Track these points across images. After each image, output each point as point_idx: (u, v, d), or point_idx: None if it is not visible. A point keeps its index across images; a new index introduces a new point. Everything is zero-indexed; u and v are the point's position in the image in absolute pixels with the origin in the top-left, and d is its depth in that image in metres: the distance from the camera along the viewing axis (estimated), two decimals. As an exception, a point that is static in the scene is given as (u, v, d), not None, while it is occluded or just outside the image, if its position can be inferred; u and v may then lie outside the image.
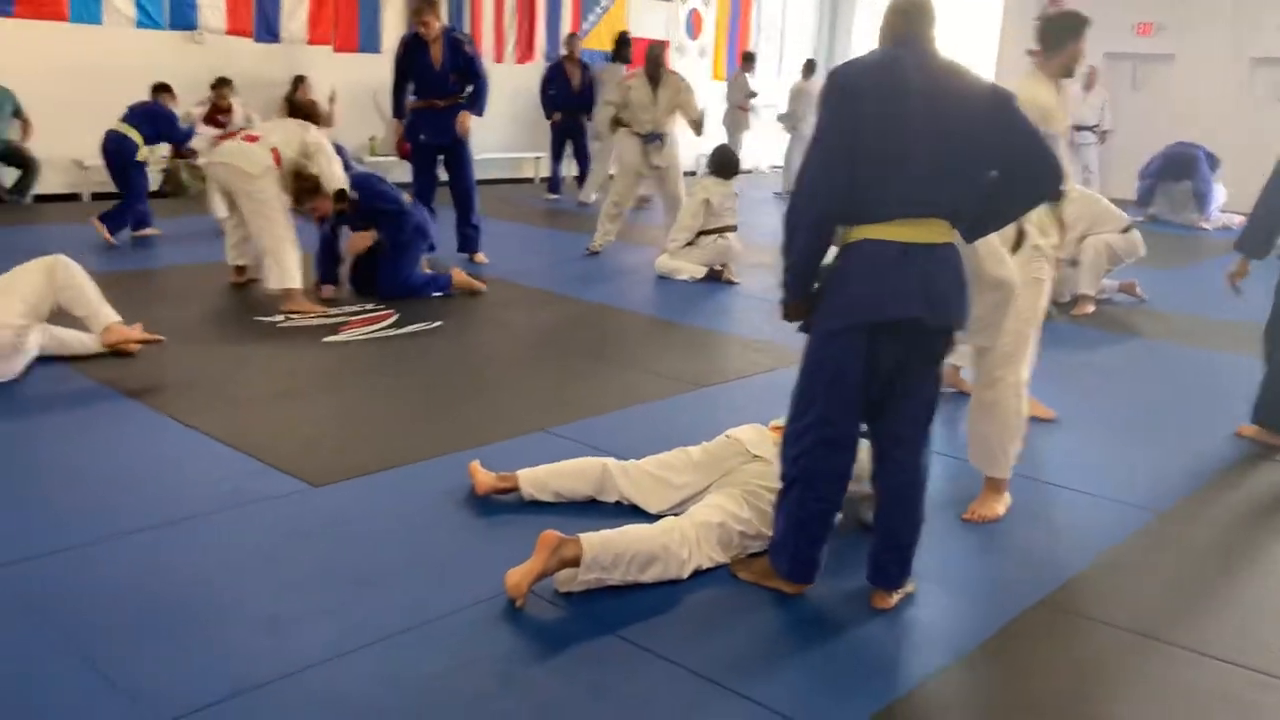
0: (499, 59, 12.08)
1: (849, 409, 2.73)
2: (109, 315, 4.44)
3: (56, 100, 8.78)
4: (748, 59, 13.21)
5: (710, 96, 13.11)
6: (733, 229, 7.54)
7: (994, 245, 3.29)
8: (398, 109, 7.43)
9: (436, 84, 7.19)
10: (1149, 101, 13.63)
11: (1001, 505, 3.59)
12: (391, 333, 5.45)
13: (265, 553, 2.99)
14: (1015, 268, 3.42)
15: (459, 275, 6.47)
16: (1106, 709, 2.51)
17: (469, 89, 7.30)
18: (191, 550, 2.97)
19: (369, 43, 10.96)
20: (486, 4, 11.89)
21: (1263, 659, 2.74)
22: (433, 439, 3.95)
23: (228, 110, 9.23)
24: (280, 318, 5.56)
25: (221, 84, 9.14)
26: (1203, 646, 2.79)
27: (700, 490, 3.30)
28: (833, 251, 2.73)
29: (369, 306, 5.89)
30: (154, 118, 7.69)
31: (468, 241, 7.47)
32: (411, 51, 7.21)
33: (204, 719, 2.21)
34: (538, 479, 3.42)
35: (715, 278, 7.47)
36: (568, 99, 10.91)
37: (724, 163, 7.63)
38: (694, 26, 14.38)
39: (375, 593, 2.80)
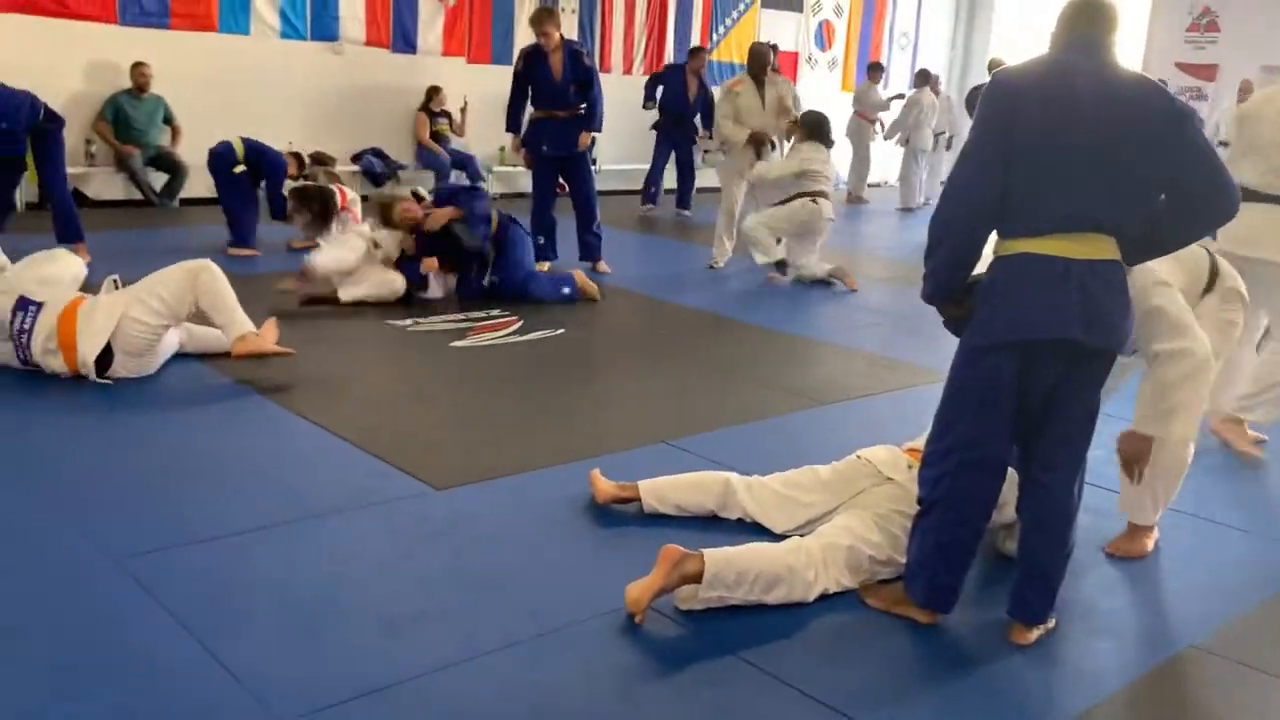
0: (627, 70, 12.14)
1: (997, 430, 2.59)
2: (244, 324, 4.53)
3: (204, 107, 9.14)
4: (874, 69, 12.97)
5: (842, 109, 12.94)
6: (824, 195, 7.41)
7: (1173, 312, 2.96)
8: (512, 123, 7.48)
9: (557, 95, 7.23)
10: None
11: (1150, 542, 3.37)
12: (516, 339, 5.47)
13: (389, 554, 3.00)
14: (1203, 328, 3.04)
15: (580, 278, 6.50)
16: (1271, 767, 2.32)
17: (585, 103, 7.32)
18: (318, 548, 3.01)
19: (502, 55, 11.11)
20: (616, 15, 11.96)
21: None
22: (553, 446, 3.93)
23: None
24: (409, 322, 5.64)
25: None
26: (1381, 705, 2.55)
27: (828, 511, 3.19)
28: (984, 263, 2.60)
29: (494, 312, 5.93)
30: (261, 151, 7.69)
31: (589, 250, 7.48)
32: (532, 63, 7.27)
33: (326, 719, 2.21)
34: (659, 490, 3.36)
35: (835, 280, 7.37)
36: (680, 106, 10.87)
37: (815, 126, 7.54)
38: (825, 38, 14.19)
39: (496, 598, 2.77)
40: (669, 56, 12.50)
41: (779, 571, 2.80)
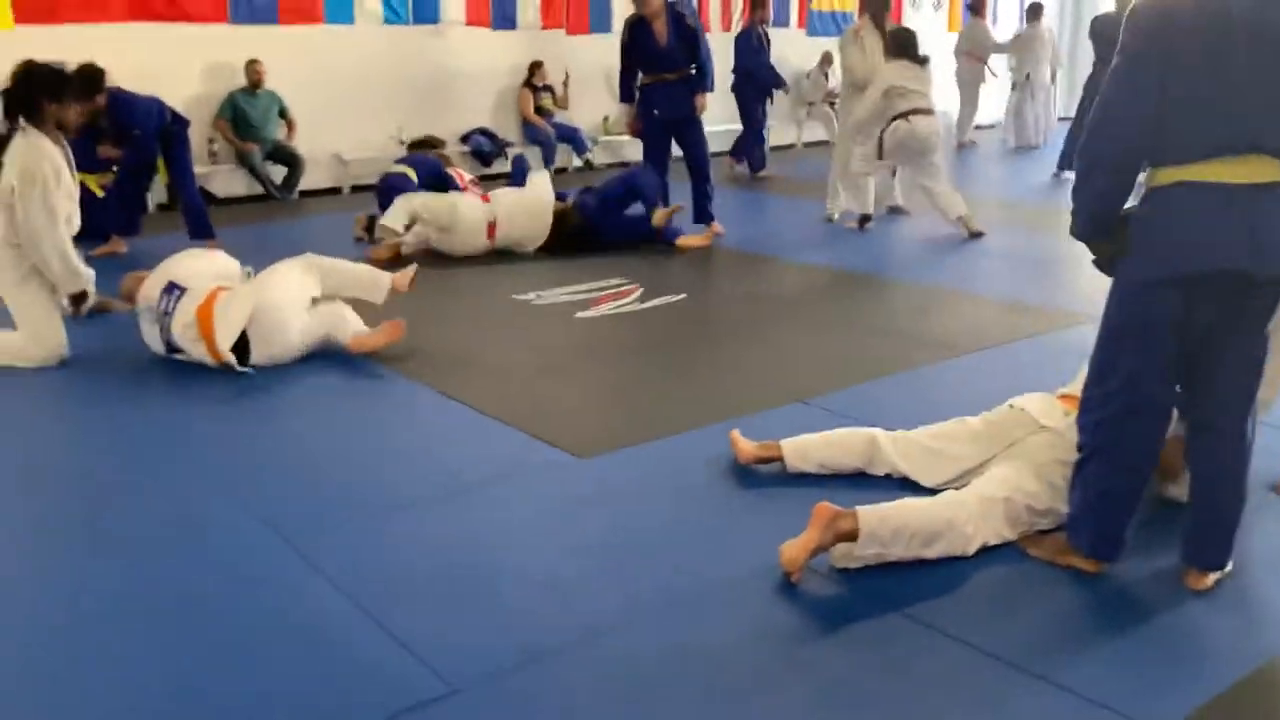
0: (726, 27, 11.97)
1: (1160, 371, 2.48)
2: (384, 281, 4.75)
3: (316, 99, 9.37)
4: (979, 4, 12.44)
5: (948, 51, 12.56)
6: (922, 111, 7.12)
7: None
8: (625, 93, 7.47)
9: (664, 59, 7.17)
10: None
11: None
12: (639, 306, 5.48)
13: (542, 521, 3.05)
14: None
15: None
16: None
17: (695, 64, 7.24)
18: (474, 519, 3.07)
19: (599, 24, 11.08)
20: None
21: None
22: (689, 410, 3.93)
23: None
24: (533, 295, 5.70)
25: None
26: None
27: (980, 464, 3.12)
28: (1136, 194, 2.48)
29: (614, 281, 5.95)
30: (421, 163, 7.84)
31: (703, 213, 7.44)
32: (635, 32, 7.22)
33: (499, 682, 2.26)
34: (802, 449, 3.33)
35: (963, 227, 7.19)
36: (748, 63, 10.39)
37: (900, 42, 7.34)
38: (927, -24, 13.78)
39: (651, 561, 2.80)
40: (768, 13, 12.28)
41: (936, 526, 2.75)
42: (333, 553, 2.85)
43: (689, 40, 7.14)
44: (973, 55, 12.15)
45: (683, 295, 5.67)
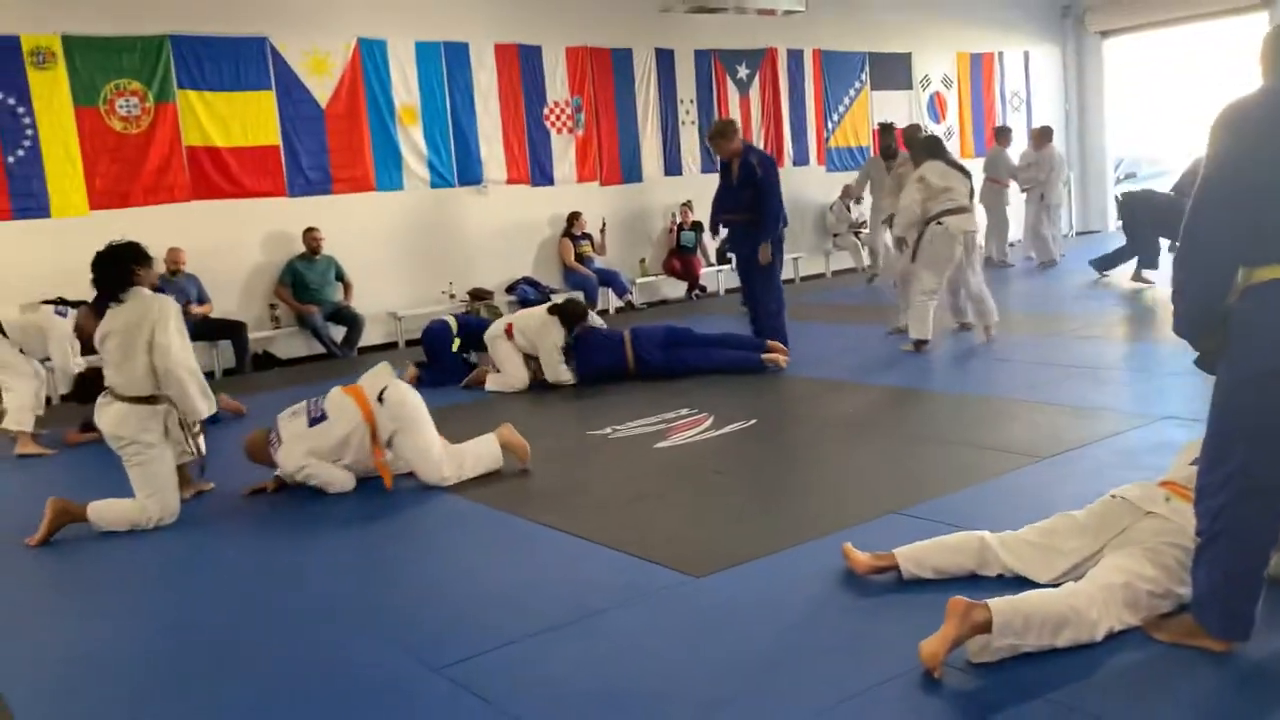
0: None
1: (1272, 456, 2.61)
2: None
3: (371, 260, 9.83)
4: (1001, 133, 13.01)
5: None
6: (953, 212, 7.40)
7: None
8: (712, 226, 8.25)
9: (731, 200, 7.67)
10: None
11: None
12: (713, 434, 5.66)
13: (678, 640, 3.17)
14: None
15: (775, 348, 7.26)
16: None
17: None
18: (608, 642, 3.19)
19: (631, 175, 11.66)
20: (731, 105, 12.38)
21: None
22: (789, 528, 4.06)
23: None
24: (609, 430, 5.90)
25: None
26: None
27: (1090, 555, 3.23)
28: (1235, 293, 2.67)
29: (683, 411, 6.15)
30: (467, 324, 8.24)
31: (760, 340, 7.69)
32: (721, 173, 7.78)
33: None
34: (916, 555, 3.45)
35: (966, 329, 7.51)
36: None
37: (931, 145, 7.81)
38: (938, 110, 14.39)
39: (789, 674, 2.89)
40: (788, 150, 12.86)
41: (1064, 613, 2.85)
42: (488, 679, 2.97)
43: (754, 184, 7.49)
44: (995, 179, 12.63)
45: (754, 420, 5.85)
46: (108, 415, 4.67)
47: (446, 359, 7.77)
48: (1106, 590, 2.95)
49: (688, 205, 11.78)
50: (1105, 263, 10.61)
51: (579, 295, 10.91)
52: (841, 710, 2.67)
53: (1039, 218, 12.51)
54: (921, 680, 2.77)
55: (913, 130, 8.42)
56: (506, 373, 7.35)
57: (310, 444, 4.92)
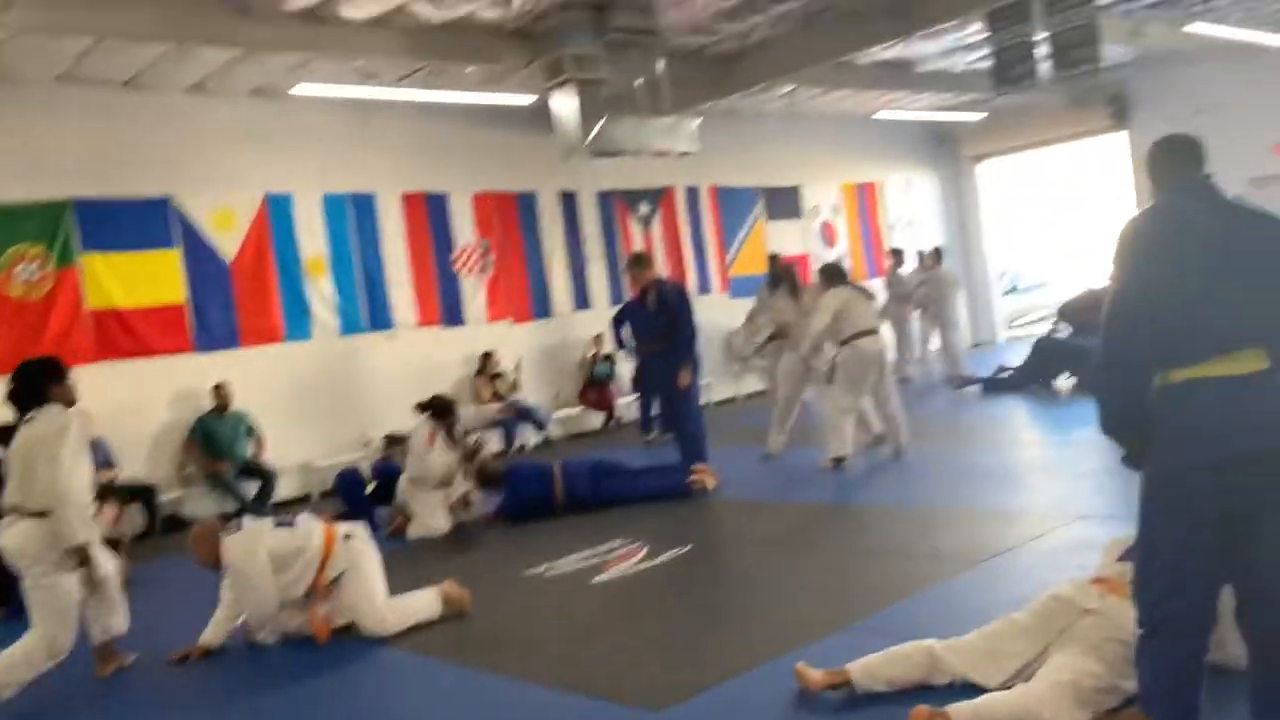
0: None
1: (1200, 551, 2.72)
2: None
3: (282, 412, 9.68)
4: (896, 254, 13.61)
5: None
6: (869, 333, 7.74)
7: None
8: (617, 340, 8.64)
9: (648, 329, 7.94)
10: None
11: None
12: (650, 563, 5.66)
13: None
14: None
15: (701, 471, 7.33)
16: None
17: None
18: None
19: (541, 311, 11.84)
20: (635, 241, 12.72)
21: None
22: (741, 652, 4.07)
23: None
24: (544, 568, 5.85)
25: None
26: None
27: (1036, 656, 3.32)
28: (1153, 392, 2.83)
29: (615, 544, 6.14)
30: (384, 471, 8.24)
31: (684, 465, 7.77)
32: (636, 302, 8.06)
33: None
34: (869, 669, 3.49)
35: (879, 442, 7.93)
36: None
37: (834, 272, 8.12)
38: (828, 237, 15.01)
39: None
40: (692, 279, 13.23)
41: (1019, 714, 2.93)
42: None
43: (670, 313, 7.72)
44: (897, 297, 13.11)
45: (689, 546, 5.88)
46: (10, 534, 4.50)
47: (361, 506, 7.66)
48: (1056, 689, 3.04)
49: (599, 338, 11.95)
50: (992, 386, 11.12)
51: (497, 434, 10.96)
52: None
53: (942, 335, 13.00)
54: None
55: (833, 267, 8.80)
56: (424, 519, 7.28)
57: (268, 540, 4.91)
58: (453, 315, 11.14)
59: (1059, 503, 5.88)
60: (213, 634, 4.98)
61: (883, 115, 14.63)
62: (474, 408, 10.44)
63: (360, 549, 5.09)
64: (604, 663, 4.20)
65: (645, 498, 7.22)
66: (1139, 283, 2.77)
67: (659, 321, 7.75)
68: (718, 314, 13.18)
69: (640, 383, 11.08)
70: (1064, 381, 10.41)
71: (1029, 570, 4.58)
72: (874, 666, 3.49)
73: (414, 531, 7.27)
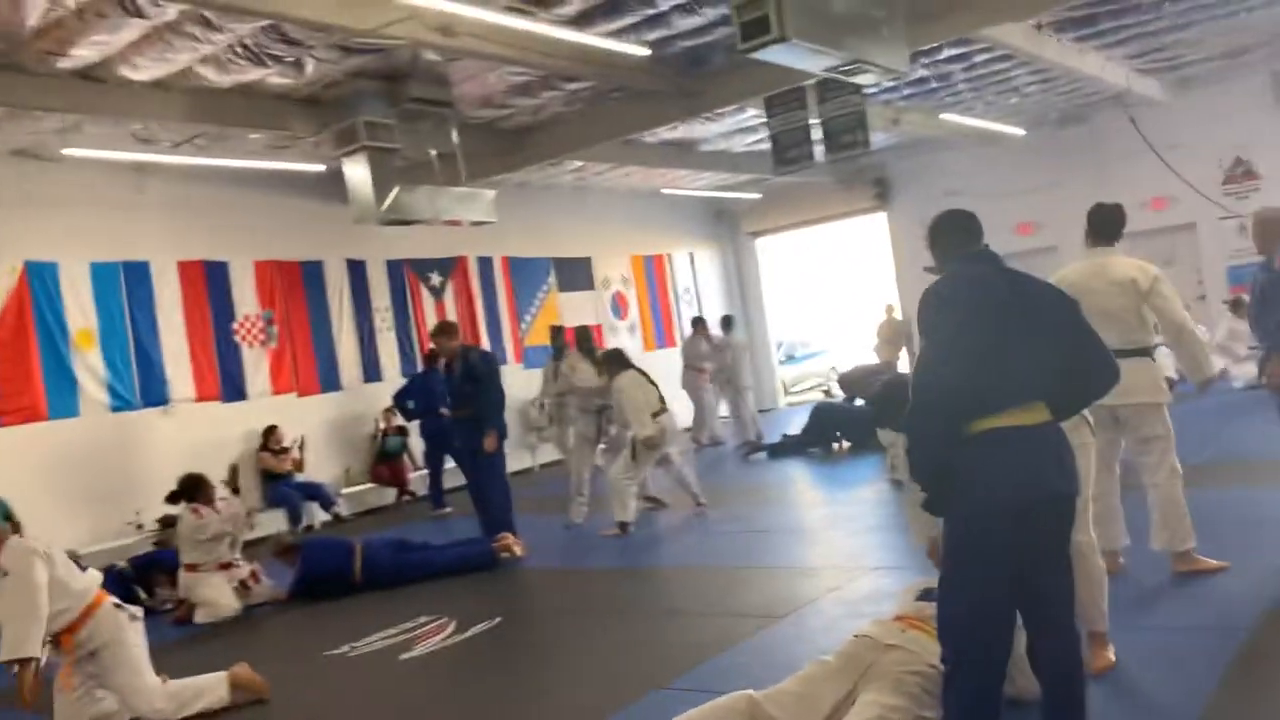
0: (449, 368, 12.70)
1: (999, 588, 2.96)
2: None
3: (46, 496, 8.89)
4: (698, 323, 13.84)
5: (649, 366, 13.98)
6: (664, 410, 8.17)
7: None
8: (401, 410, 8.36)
9: (453, 398, 7.91)
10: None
11: (1111, 653, 3.83)
12: (460, 637, 5.55)
13: None
14: None
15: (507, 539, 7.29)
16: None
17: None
18: None
19: (329, 384, 11.48)
20: (427, 311, 12.59)
21: None
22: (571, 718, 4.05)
23: None
24: (346, 648, 5.62)
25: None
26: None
27: (846, 695, 3.47)
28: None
29: (421, 619, 5.99)
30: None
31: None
32: (438, 371, 8.11)
33: None
34: (700, 726, 3.55)
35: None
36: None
37: (619, 358, 8.53)
38: (620, 307, 15.37)
39: None
40: (485, 345, 13.21)
41: None
42: None
43: (475, 379, 7.67)
44: (694, 366, 13.49)
45: (498, 619, 5.80)
46: None
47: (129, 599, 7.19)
48: None
49: (391, 411, 11.70)
50: (778, 450, 11.63)
51: (280, 512, 10.46)
52: None
53: (735, 402, 13.46)
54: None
55: (615, 353, 9.06)
56: (210, 602, 6.88)
57: (57, 560, 4.60)
58: (234, 389, 10.65)
59: (851, 556, 6.19)
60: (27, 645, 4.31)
61: (669, 191, 15.22)
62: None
63: (130, 625, 4.70)
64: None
65: (449, 570, 7.08)
66: (947, 341, 3.03)
67: (465, 389, 7.69)
68: (513, 383, 13.09)
69: (431, 456, 10.97)
70: (842, 444, 11.03)
71: (833, 620, 4.79)
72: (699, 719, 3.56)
73: (201, 616, 6.84)
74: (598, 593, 6.29)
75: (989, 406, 2.97)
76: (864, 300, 16.32)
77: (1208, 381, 4.95)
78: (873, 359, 14.84)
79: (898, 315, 15.47)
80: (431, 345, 8.07)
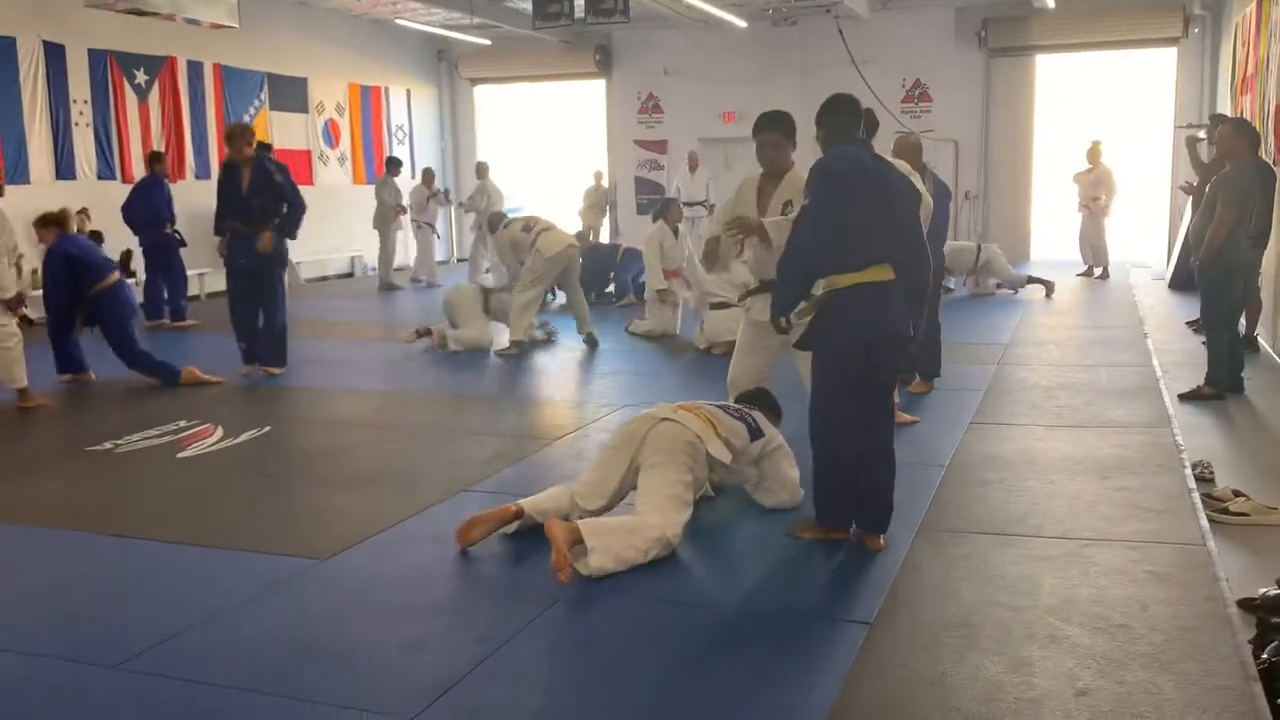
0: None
1: (854, 407, 3.77)
2: None
3: None
4: (392, 163, 13.74)
5: (355, 200, 13.97)
6: None
7: None
8: (218, 230, 7.64)
9: (241, 209, 7.40)
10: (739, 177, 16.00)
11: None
12: (233, 441, 5.63)
13: (351, 605, 3.45)
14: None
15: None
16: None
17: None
18: (293, 613, 3.35)
19: (17, 176, 10.44)
20: (130, 112, 11.67)
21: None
22: (386, 508, 4.39)
23: None
24: (109, 445, 5.55)
25: None
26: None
27: (629, 463, 3.95)
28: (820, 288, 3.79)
29: (182, 424, 5.97)
30: None
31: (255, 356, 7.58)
32: (222, 180, 7.58)
33: None
34: (535, 504, 3.98)
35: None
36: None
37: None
38: (333, 136, 14.87)
39: (460, 620, 3.36)
40: (190, 163, 12.47)
41: (634, 523, 3.72)
42: (174, 662, 2.98)
43: (273, 189, 7.35)
44: (395, 207, 13.44)
45: (267, 427, 5.91)
46: None
47: None
48: (656, 502, 3.80)
49: (84, 212, 10.83)
50: None
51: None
52: (515, 644, 3.14)
53: (475, 245, 13.65)
54: (572, 606, 3.41)
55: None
56: None
57: None
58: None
59: (605, 395, 6.85)
60: None
61: (401, 22, 14.80)
62: None
63: None
64: (244, 523, 4.29)
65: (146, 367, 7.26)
66: (823, 204, 3.69)
67: (254, 203, 7.32)
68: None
69: (152, 270, 10.38)
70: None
71: (598, 443, 5.40)
72: (538, 503, 4.01)
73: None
74: (369, 410, 6.53)
75: (853, 265, 3.71)
76: (575, 165, 16.79)
77: None
78: (576, 224, 15.48)
79: (605, 183, 16.20)
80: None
